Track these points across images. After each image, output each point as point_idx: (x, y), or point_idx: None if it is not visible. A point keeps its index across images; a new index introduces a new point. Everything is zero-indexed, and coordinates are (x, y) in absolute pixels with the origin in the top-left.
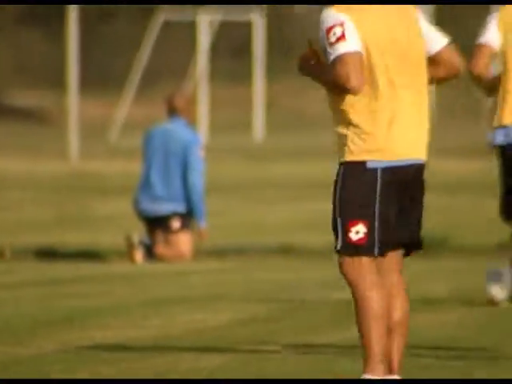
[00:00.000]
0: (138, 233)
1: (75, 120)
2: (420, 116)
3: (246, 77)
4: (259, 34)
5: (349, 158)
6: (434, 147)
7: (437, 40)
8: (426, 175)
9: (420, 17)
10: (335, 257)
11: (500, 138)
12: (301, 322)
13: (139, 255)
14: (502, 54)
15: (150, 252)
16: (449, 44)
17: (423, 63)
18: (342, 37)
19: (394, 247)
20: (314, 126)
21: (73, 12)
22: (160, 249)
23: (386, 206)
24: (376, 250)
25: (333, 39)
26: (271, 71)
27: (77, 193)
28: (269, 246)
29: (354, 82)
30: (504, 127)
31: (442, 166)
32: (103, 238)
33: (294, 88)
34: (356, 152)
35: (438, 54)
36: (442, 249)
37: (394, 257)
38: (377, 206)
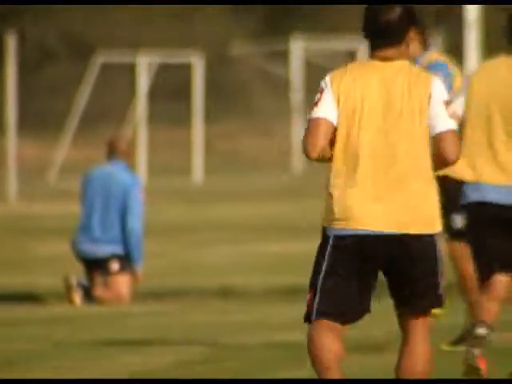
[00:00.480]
0: (77, 275)
1: (13, 161)
2: (399, 186)
3: (184, 119)
4: (198, 77)
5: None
6: None
7: (439, 124)
8: None
9: (435, 92)
10: (274, 298)
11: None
12: (241, 365)
13: (78, 297)
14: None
15: (88, 294)
16: (450, 131)
17: (411, 136)
18: (315, 103)
19: (338, 317)
20: (251, 169)
21: (12, 54)
22: (98, 291)
23: (330, 276)
24: (313, 318)
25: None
26: (209, 114)
27: (15, 235)
28: (207, 288)
29: (307, 148)
30: None
31: None
32: (42, 280)
33: (232, 131)
34: (324, 218)
35: (435, 138)
36: None
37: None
38: (321, 275)
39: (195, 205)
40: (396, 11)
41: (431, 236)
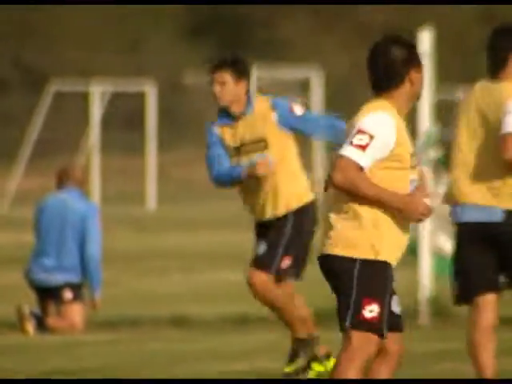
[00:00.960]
0: (30, 304)
1: None
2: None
3: (138, 147)
4: (151, 105)
5: None
6: None
7: None
8: None
9: None
10: (227, 327)
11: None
12: None
13: (30, 326)
14: None
15: (41, 323)
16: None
17: None
18: None
19: None
20: (205, 197)
21: None
22: (52, 320)
23: None
24: None
25: None
26: (163, 142)
27: None
28: (161, 317)
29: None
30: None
31: None
32: None
33: (185, 159)
34: None
35: None
36: None
37: None
38: None
39: (148, 233)
40: None
41: None
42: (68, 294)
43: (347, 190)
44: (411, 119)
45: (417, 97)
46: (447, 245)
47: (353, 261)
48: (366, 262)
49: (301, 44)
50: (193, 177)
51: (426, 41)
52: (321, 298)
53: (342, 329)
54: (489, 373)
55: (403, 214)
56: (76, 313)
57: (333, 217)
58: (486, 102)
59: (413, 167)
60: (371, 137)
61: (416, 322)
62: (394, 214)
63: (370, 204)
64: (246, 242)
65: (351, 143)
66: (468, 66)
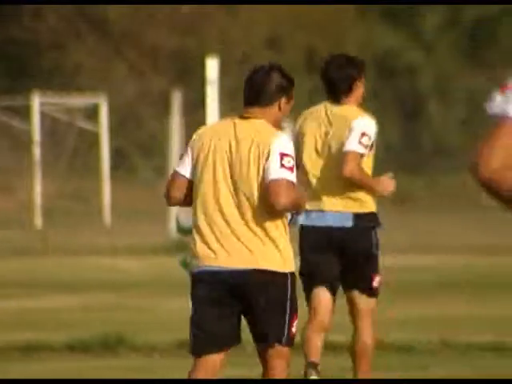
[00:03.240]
0: None
1: None
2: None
3: None
4: None
5: None
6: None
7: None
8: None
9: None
10: (12, 355)
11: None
12: None
13: None
14: None
15: None
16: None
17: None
18: None
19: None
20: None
21: None
22: None
23: None
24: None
25: None
26: None
27: None
28: None
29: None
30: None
31: (117, 264)
32: None
33: None
34: None
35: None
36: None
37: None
38: None
39: None
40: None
41: None
42: None
43: (287, 210)
44: None
45: (276, 126)
46: None
47: (285, 275)
48: (291, 275)
49: (89, 70)
50: None
51: (213, 68)
52: None
53: (271, 345)
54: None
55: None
56: None
57: (248, 232)
58: (331, 122)
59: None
60: (293, 158)
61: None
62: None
63: (276, 221)
64: (33, 269)
65: (283, 166)
66: None
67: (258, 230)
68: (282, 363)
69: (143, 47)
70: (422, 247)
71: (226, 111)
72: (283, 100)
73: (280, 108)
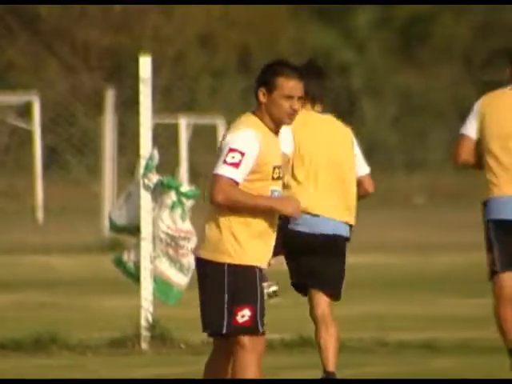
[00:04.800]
0: None
1: None
2: None
3: None
4: None
5: None
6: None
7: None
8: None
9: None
10: None
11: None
12: None
13: None
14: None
15: None
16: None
17: None
18: None
19: None
20: None
21: None
22: None
23: None
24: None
25: None
26: None
27: None
28: None
29: None
30: None
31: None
32: None
33: None
34: None
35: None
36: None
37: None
38: None
39: None
40: None
41: None
42: None
43: (229, 206)
44: (135, 143)
45: (278, 118)
46: (169, 270)
47: (221, 265)
48: (232, 267)
49: (21, 67)
50: None
51: (146, 66)
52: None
53: (215, 334)
54: None
55: (280, 211)
56: None
57: (205, 222)
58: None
59: (275, 179)
60: (242, 154)
61: (137, 348)
62: (251, 220)
63: (228, 212)
64: None
65: (225, 162)
66: (187, 90)
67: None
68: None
69: (75, 45)
70: (357, 246)
71: (159, 109)
72: (262, 90)
73: (258, 99)
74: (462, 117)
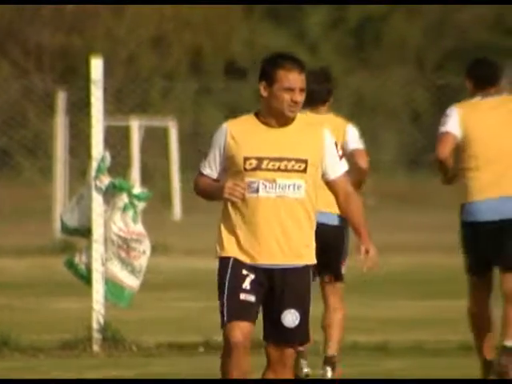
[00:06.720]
0: None
1: None
2: None
3: None
4: None
5: None
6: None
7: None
8: None
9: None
10: None
11: None
12: None
13: None
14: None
15: None
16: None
17: None
18: None
19: None
20: None
21: None
22: None
23: None
24: None
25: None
26: None
27: None
28: None
29: None
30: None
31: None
32: None
33: None
34: None
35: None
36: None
37: None
38: None
39: None
40: None
41: None
42: None
43: (203, 197)
44: (87, 145)
45: (278, 110)
46: (121, 272)
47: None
48: (218, 260)
49: None
50: None
51: (97, 68)
52: None
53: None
54: None
55: (219, 196)
56: None
57: None
58: None
59: (249, 170)
60: (210, 147)
61: (88, 350)
62: (238, 216)
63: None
64: None
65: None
66: (139, 92)
67: None
68: None
69: (27, 46)
70: None
71: (111, 111)
72: (263, 84)
73: (260, 92)
74: (414, 118)
